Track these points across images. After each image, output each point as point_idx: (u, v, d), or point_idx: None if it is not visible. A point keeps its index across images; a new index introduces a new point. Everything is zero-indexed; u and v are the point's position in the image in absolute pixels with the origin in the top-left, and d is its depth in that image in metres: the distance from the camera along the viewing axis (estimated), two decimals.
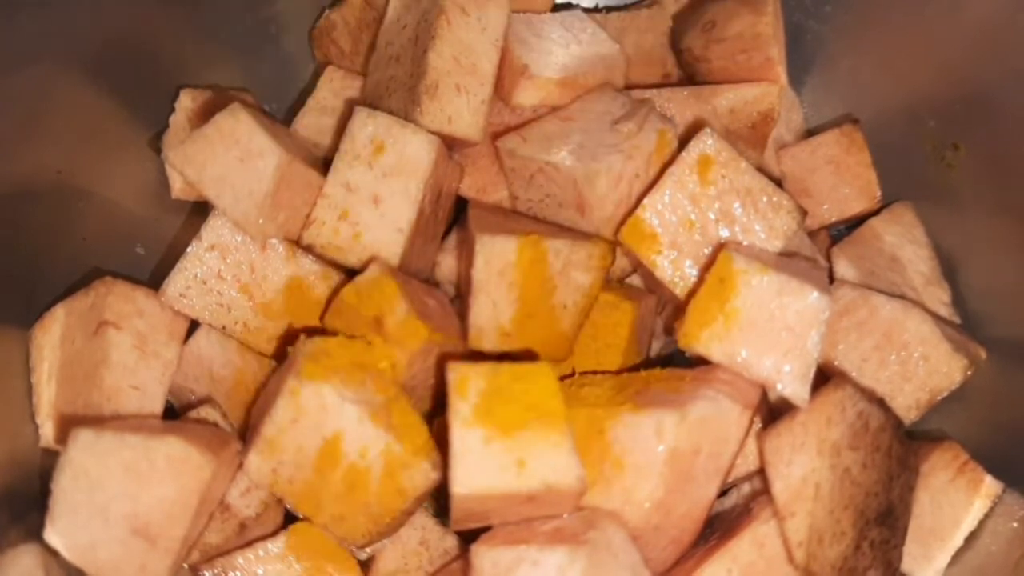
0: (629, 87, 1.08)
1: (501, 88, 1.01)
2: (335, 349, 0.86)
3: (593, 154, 0.93)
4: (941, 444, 0.92)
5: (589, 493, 0.82)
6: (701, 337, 0.86)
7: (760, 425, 0.89)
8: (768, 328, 0.85)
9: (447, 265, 1.02)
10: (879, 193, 1.08)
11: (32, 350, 0.93)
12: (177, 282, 0.93)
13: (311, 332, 0.89)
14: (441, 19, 0.95)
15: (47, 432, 0.91)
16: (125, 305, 0.93)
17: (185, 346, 0.97)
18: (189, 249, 0.93)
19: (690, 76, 1.14)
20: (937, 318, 0.96)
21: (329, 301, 0.91)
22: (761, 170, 0.94)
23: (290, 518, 0.90)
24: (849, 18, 1.12)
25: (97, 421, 0.86)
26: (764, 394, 0.88)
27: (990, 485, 0.89)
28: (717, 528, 0.89)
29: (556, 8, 1.13)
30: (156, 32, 1.04)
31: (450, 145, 0.97)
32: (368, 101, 1.02)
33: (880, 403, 0.84)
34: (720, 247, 0.90)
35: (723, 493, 0.92)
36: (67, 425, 0.85)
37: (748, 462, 0.89)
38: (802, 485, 0.83)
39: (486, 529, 0.82)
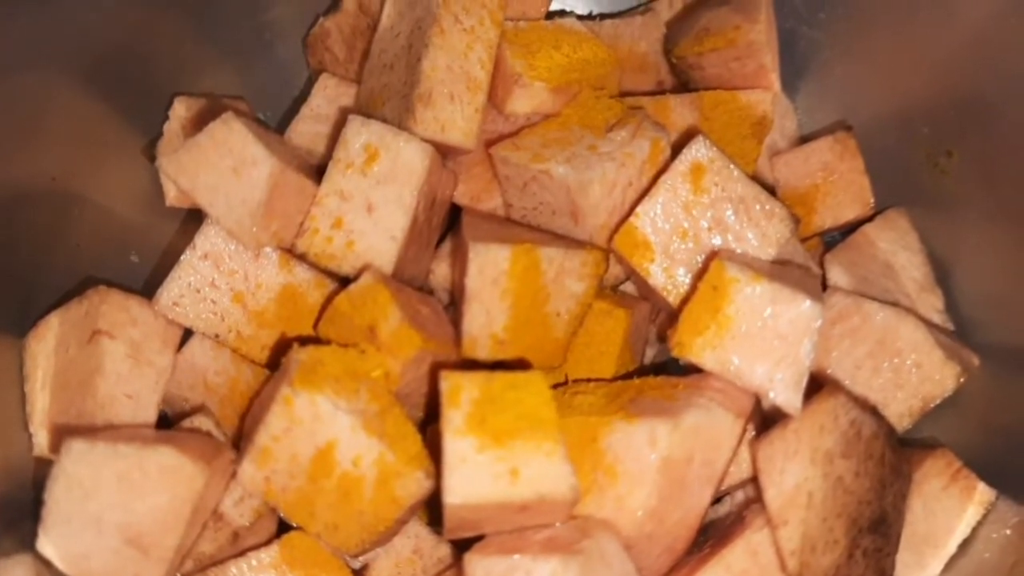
0: (623, 94, 1.08)
1: (495, 96, 1.01)
2: (328, 358, 0.85)
3: (587, 162, 0.93)
4: (934, 451, 0.92)
5: (582, 502, 0.82)
6: (694, 345, 0.86)
7: (753, 433, 0.89)
8: (761, 336, 0.85)
9: (441, 273, 1.02)
10: (872, 200, 1.09)
11: (26, 359, 0.93)
12: (171, 291, 0.93)
13: (305, 341, 0.89)
14: (435, 27, 0.95)
15: (40, 441, 0.92)
16: (119, 314, 0.93)
17: (179, 355, 0.97)
18: (183, 258, 0.93)
19: (684, 83, 1.14)
20: (930, 325, 0.96)
21: (323, 309, 0.91)
22: (754, 177, 0.95)
23: (283, 527, 0.90)
24: (842, 25, 1.12)
25: (90, 430, 0.87)
26: (757, 402, 0.88)
27: (983, 492, 0.89)
28: (710, 536, 0.89)
29: (550, 15, 1.13)
30: (151, 39, 1.04)
31: (444, 153, 0.97)
32: (362, 109, 1.02)
33: (873, 411, 0.84)
34: (713, 255, 0.90)
35: (716, 501, 0.92)
36: (60, 434, 0.85)
37: (741, 470, 0.89)
38: (795, 493, 0.83)
39: (480, 538, 0.82)
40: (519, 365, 0.91)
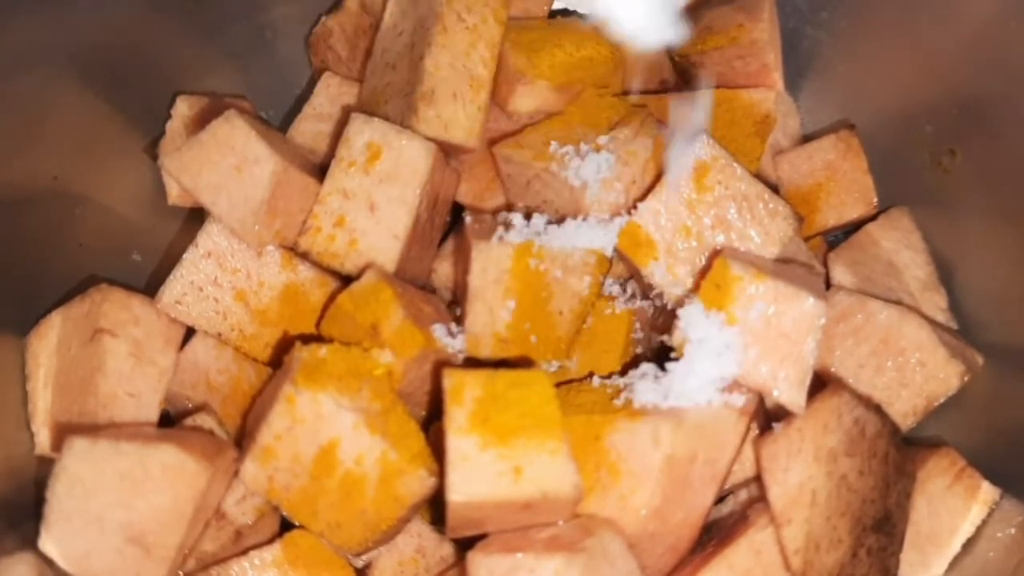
0: (625, 93, 1.08)
1: (498, 94, 1.01)
2: (331, 356, 0.85)
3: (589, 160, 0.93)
4: (938, 450, 0.92)
5: (585, 500, 0.82)
6: None
7: (757, 431, 0.89)
8: (764, 334, 0.85)
9: (444, 272, 1.02)
10: (876, 199, 1.08)
11: (28, 357, 0.93)
12: (173, 289, 0.93)
13: (307, 339, 0.89)
14: (438, 26, 0.95)
15: (42, 440, 0.91)
16: (121, 312, 0.93)
17: (181, 353, 0.96)
18: (185, 256, 0.93)
19: (687, 82, 1.14)
20: (934, 324, 0.96)
21: (325, 308, 0.91)
22: (758, 176, 0.94)
23: (286, 526, 0.90)
24: (846, 24, 1.12)
25: (92, 429, 0.87)
26: (761, 400, 0.88)
27: (987, 491, 0.89)
28: (714, 535, 0.89)
29: (553, 14, 1.13)
30: (153, 39, 1.04)
31: (447, 151, 0.97)
32: (365, 107, 1.02)
33: (877, 409, 0.84)
34: (716, 253, 0.90)
35: (720, 500, 0.91)
36: (62, 433, 0.84)
37: (745, 469, 0.89)
38: (799, 492, 0.83)
39: (482, 537, 0.81)
40: (522, 363, 0.91)
